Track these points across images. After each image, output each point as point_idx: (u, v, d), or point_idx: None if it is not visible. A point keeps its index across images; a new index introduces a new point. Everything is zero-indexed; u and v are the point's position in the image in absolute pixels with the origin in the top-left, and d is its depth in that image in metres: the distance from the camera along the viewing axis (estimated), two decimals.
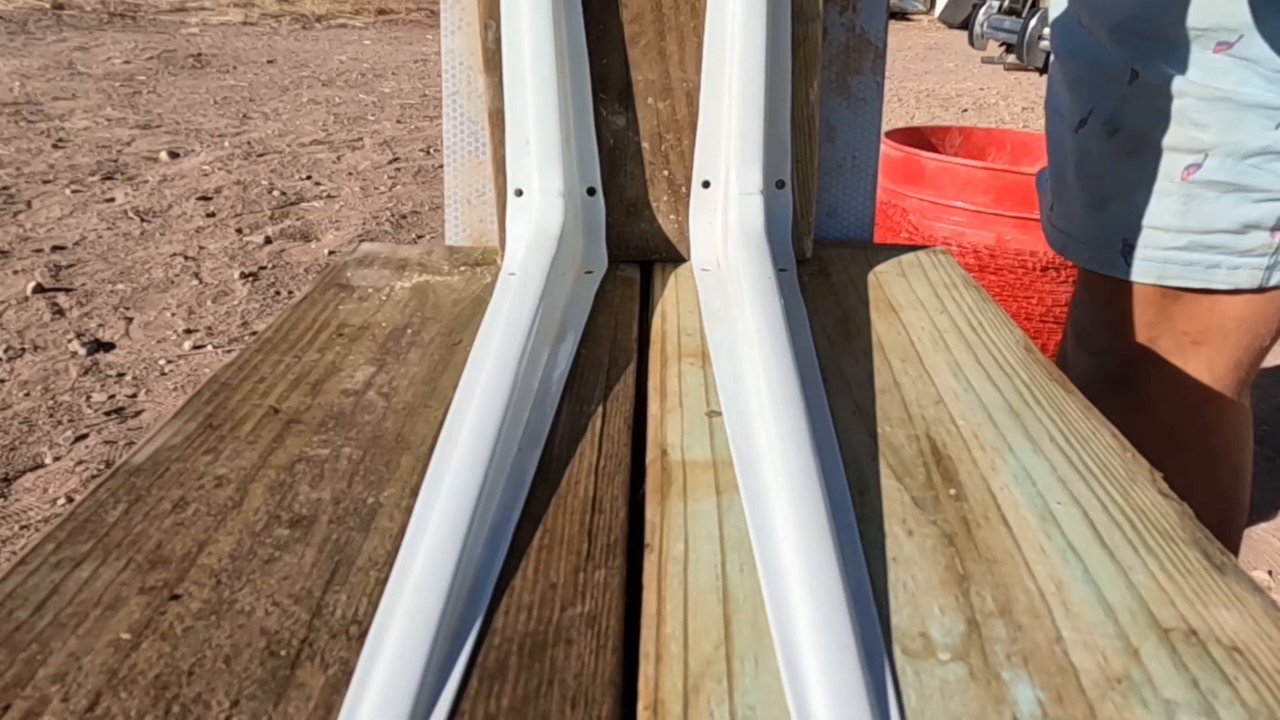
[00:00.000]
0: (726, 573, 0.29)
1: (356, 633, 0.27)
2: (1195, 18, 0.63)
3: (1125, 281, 0.71)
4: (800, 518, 0.29)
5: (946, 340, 0.42)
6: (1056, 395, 0.38)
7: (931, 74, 5.50)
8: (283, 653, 0.26)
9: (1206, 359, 0.70)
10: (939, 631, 0.26)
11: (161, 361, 1.83)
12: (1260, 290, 0.67)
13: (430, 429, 0.37)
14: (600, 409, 0.39)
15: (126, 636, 0.27)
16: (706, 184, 0.51)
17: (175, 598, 0.28)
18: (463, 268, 0.53)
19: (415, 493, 0.33)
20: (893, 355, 0.41)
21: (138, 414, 1.64)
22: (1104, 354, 0.76)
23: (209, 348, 1.90)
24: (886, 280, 0.50)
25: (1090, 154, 0.72)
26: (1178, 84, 0.64)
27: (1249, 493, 0.79)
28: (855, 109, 0.57)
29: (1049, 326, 1.32)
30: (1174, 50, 0.64)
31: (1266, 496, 1.47)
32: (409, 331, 0.45)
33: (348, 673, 0.26)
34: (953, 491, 0.32)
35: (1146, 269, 0.70)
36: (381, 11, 8.43)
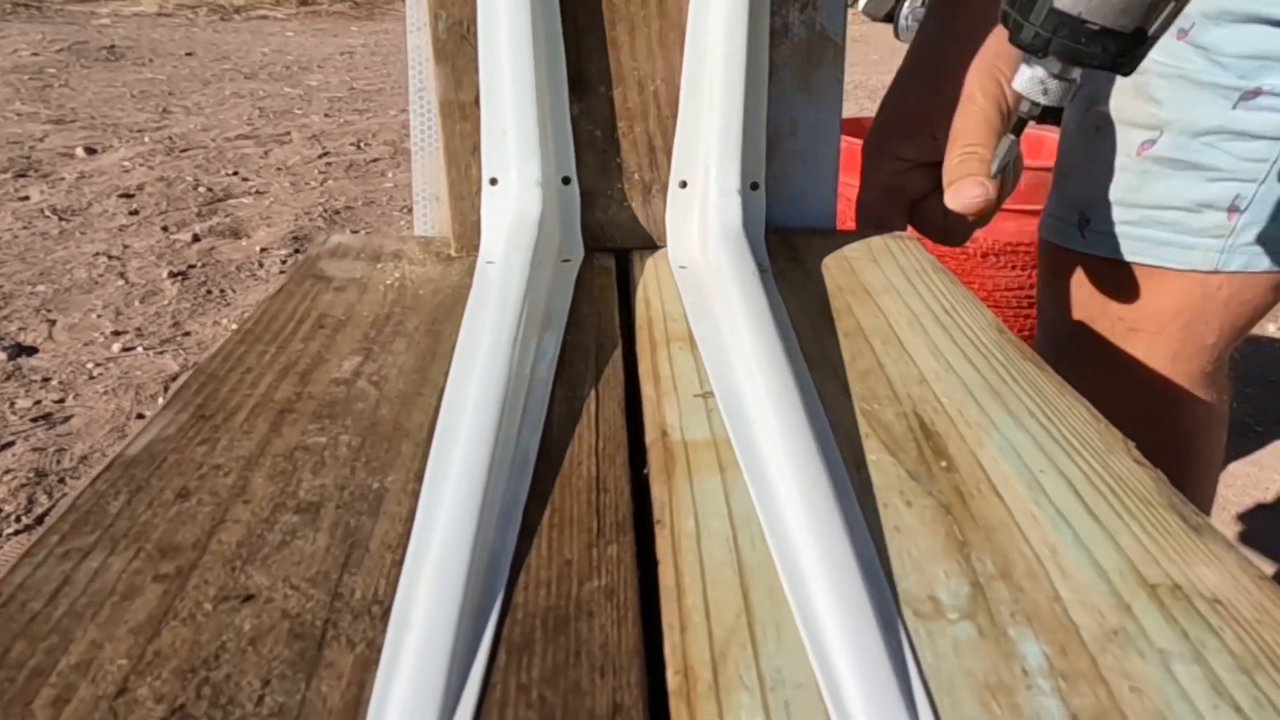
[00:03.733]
0: (739, 546, 0.30)
1: (379, 612, 0.27)
2: None
3: (1079, 254, 0.72)
4: (806, 493, 0.30)
5: (923, 323, 0.44)
6: (1031, 373, 0.40)
7: (857, 65, 5.56)
8: (308, 634, 0.26)
9: (1144, 346, 0.72)
10: (946, 594, 0.28)
11: (89, 365, 1.77)
12: (1214, 273, 0.68)
13: (426, 416, 0.37)
14: (593, 392, 0.39)
15: (146, 623, 0.26)
16: (684, 184, 0.52)
17: (191, 585, 0.28)
18: (437, 258, 0.53)
19: (419, 477, 0.33)
20: (873, 338, 0.43)
21: (67, 419, 1.58)
22: (1051, 327, 0.78)
23: (139, 349, 1.84)
24: (859, 266, 0.51)
25: (1068, 128, 0.74)
26: (1144, 62, 0.66)
27: (1207, 488, 0.79)
28: (815, 103, 0.58)
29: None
30: None
31: None
32: (391, 321, 0.45)
33: (375, 651, 0.26)
34: (944, 464, 0.34)
35: (1100, 242, 0.71)
36: (304, 2, 8.25)
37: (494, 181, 0.51)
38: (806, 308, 0.46)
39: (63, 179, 2.89)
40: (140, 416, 1.61)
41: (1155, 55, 0.64)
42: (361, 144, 3.56)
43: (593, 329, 0.45)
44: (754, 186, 0.51)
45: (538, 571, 0.29)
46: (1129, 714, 0.24)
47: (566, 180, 0.52)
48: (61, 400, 1.64)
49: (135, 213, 2.61)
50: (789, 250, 0.54)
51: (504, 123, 0.50)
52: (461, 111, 0.52)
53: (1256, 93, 0.63)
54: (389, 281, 0.50)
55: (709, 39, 0.50)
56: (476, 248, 0.51)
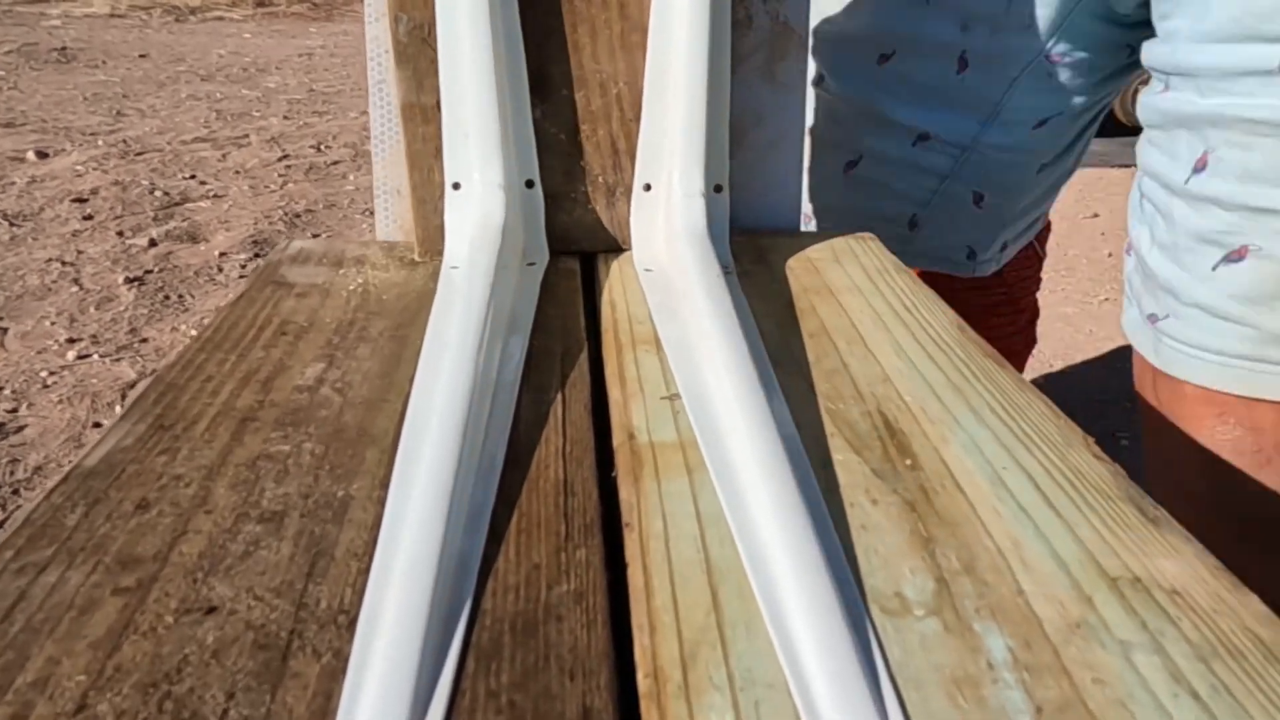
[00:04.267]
0: (707, 546, 0.30)
1: (345, 621, 0.27)
2: (862, 26, 0.74)
3: None
4: (773, 492, 0.31)
5: (886, 322, 0.45)
6: (991, 370, 0.40)
7: None
8: (272, 645, 0.26)
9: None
10: (912, 590, 0.28)
11: (43, 373, 1.73)
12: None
13: (391, 422, 0.37)
14: (560, 396, 0.39)
15: (105, 638, 0.26)
16: (648, 187, 0.52)
17: (152, 597, 0.27)
18: (401, 263, 0.53)
19: (385, 484, 0.33)
20: (838, 338, 0.43)
21: (20, 429, 1.55)
22: None
23: (95, 357, 1.81)
24: (822, 266, 0.52)
25: None
26: (845, 94, 0.77)
27: None
28: (780, 94, 0.58)
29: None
30: (847, 59, 0.77)
31: None
32: (355, 327, 0.45)
33: (342, 660, 0.26)
34: (909, 462, 0.34)
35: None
36: (260, 3, 8.14)
37: (456, 186, 0.51)
38: (771, 308, 0.46)
39: (13, 183, 2.83)
40: (96, 425, 1.58)
41: (857, 87, 0.77)
42: (322, 146, 3.52)
43: (559, 332, 0.45)
44: (717, 189, 0.51)
45: (506, 576, 0.29)
46: (1092, 705, 0.24)
47: (530, 183, 0.52)
48: (14, 410, 1.61)
49: (89, 217, 2.56)
50: (754, 251, 0.54)
51: (465, 126, 0.49)
52: (424, 115, 0.51)
53: (926, 136, 0.74)
54: (352, 287, 0.49)
55: (671, 41, 0.50)
56: (440, 252, 0.51)
